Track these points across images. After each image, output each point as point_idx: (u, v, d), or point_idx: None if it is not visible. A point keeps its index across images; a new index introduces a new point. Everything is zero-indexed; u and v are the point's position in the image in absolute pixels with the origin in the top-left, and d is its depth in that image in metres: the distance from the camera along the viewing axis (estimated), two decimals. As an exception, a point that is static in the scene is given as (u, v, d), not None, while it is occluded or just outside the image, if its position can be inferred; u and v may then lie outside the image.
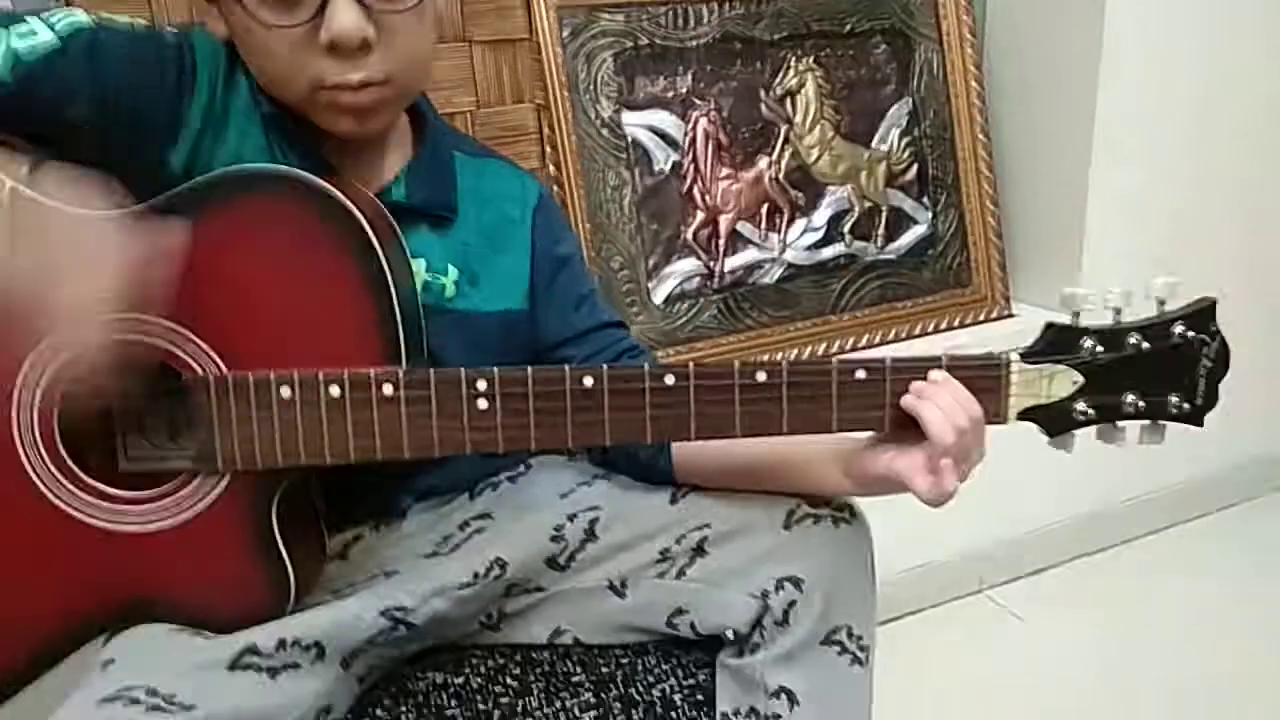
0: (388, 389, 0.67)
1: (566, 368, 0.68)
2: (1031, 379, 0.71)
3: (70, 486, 0.69)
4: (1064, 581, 1.74)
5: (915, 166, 1.64)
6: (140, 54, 0.70)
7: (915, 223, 1.65)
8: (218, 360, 0.67)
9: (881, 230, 1.63)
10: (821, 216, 1.58)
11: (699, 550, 0.78)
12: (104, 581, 0.71)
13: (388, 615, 0.73)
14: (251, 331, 0.67)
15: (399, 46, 0.71)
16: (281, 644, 0.69)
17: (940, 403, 0.67)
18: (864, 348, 1.60)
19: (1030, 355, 0.71)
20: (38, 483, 0.69)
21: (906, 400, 0.68)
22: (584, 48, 1.37)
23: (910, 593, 1.63)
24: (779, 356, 1.53)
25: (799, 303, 1.57)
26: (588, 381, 0.68)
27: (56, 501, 0.70)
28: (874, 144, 1.61)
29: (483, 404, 0.67)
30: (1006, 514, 1.69)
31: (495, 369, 0.68)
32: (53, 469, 0.69)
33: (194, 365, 0.67)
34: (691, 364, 0.68)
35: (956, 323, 1.67)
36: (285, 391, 0.67)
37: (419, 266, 0.78)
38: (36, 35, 0.67)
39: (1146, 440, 0.75)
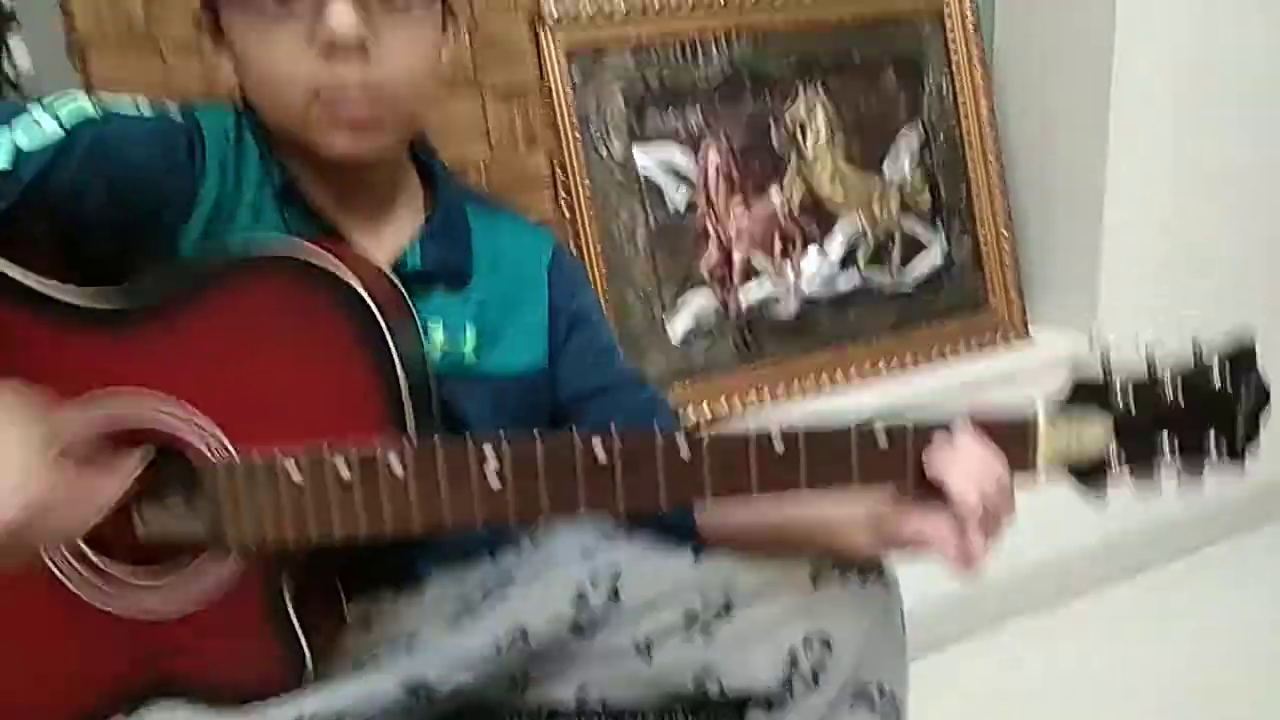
0: (395, 465, 0.66)
1: (577, 437, 0.67)
2: (1060, 433, 0.69)
3: (85, 573, 0.69)
4: (1097, 607, 1.72)
5: (928, 192, 1.63)
6: (148, 141, 0.70)
7: (929, 249, 1.64)
8: (223, 438, 0.67)
9: (895, 257, 1.62)
10: (835, 246, 1.57)
11: (725, 609, 0.77)
12: (122, 664, 0.70)
13: (409, 689, 0.72)
14: (256, 408, 0.67)
15: (397, 57, 0.71)
16: (300, 719, 0.68)
17: (966, 467, 0.66)
18: (882, 376, 1.58)
19: (1059, 408, 0.70)
20: (54, 569, 0.69)
21: (929, 462, 0.67)
22: (594, 88, 1.36)
23: (942, 624, 1.61)
24: (795, 386, 1.52)
25: (815, 333, 1.56)
26: (600, 453, 0.66)
27: (72, 588, 0.69)
28: (886, 171, 1.60)
29: (493, 478, 0.66)
30: (1037, 540, 1.66)
31: (505, 441, 0.66)
32: (68, 555, 0.69)
33: (198, 444, 0.67)
34: (706, 435, 0.67)
35: (974, 348, 1.65)
36: (294, 474, 0.66)
37: (437, 329, 0.78)
38: (41, 128, 0.66)
39: (1184, 483, 0.74)
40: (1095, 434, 0.70)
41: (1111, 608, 1.72)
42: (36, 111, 0.67)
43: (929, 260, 1.64)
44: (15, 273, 0.66)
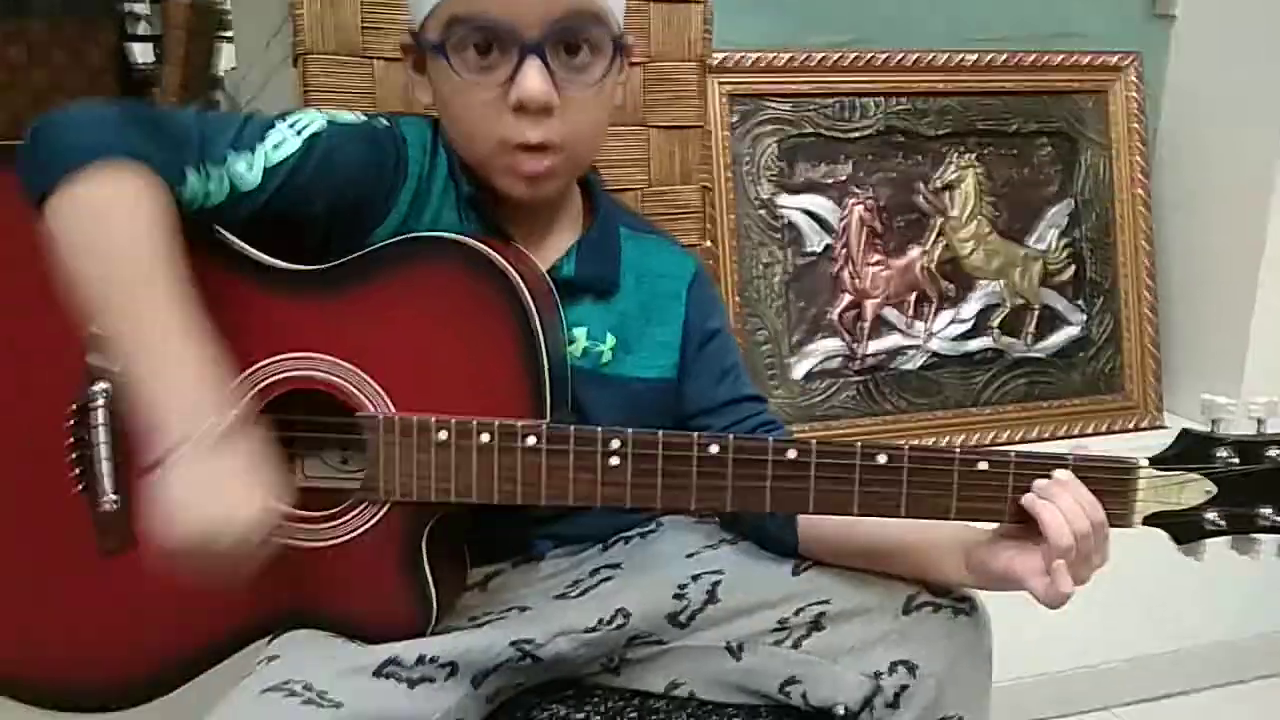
0: (531, 440, 0.73)
1: (695, 434, 0.73)
2: (1161, 486, 0.71)
3: None
4: (1197, 710, 1.65)
5: (1072, 268, 1.63)
6: (364, 149, 0.80)
7: (1068, 323, 1.64)
8: (388, 400, 0.75)
9: (1032, 328, 1.62)
10: (970, 309, 1.59)
11: (816, 624, 0.81)
12: (275, 589, 0.78)
13: (516, 646, 0.79)
14: (419, 378, 0.75)
15: (575, 117, 0.79)
16: (420, 659, 0.75)
17: (1061, 504, 0.69)
18: (1005, 444, 1.59)
19: (1162, 461, 0.72)
20: None
21: (1026, 499, 0.70)
22: (751, 132, 1.44)
23: (1029, 703, 1.58)
24: (916, 440, 1.54)
25: (941, 391, 1.58)
26: (714, 449, 0.72)
27: None
28: (1031, 242, 1.61)
29: (615, 461, 0.73)
30: (1139, 631, 1.63)
31: (629, 430, 0.73)
32: None
33: (367, 403, 0.75)
34: (815, 440, 0.72)
35: (1104, 428, 1.64)
36: (442, 435, 0.74)
37: (580, 334, 0.85)
38: (282, 143, 0.77)
39: None
40: (1196, 490, 0.71)
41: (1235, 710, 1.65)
42: (282, 127, 0.78)
43: (1066, 335, 1.64)
44: (236, 244, 0.77)
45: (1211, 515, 0.72)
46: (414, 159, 0.83)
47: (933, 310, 1.57)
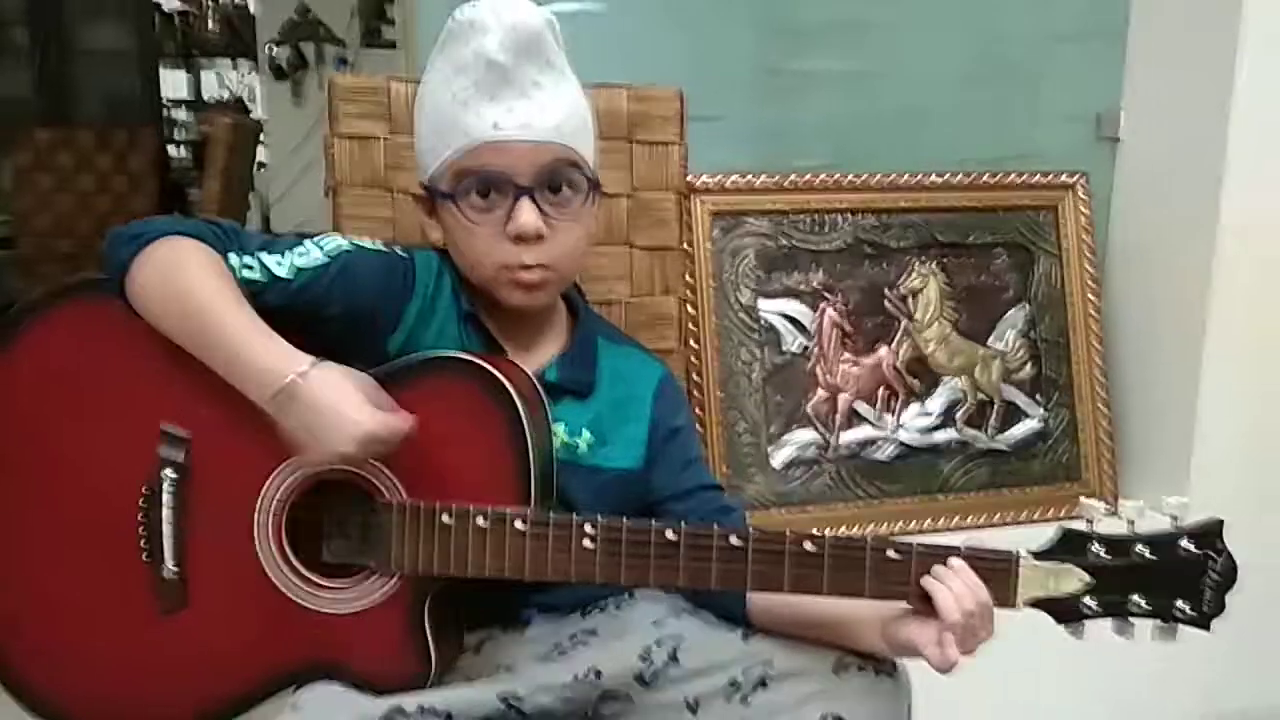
0: (519, 524, 0.88)
1: (653, 523, 0.88)
2: (1040, 575, 0.85)
3: (286, 571, 0.93)
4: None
5: (1030, 366, 1.77)
6: (379, 270, 0.99)
7: (1028, 417, 1.77)
8: (402, 490, 0.91)
9: (994, 421, 1.75)
10: (936, 403, 1.72)
11: (762, 682, 0.94)
12: (299, 646, 0.93)
13: (503, 699, 0.92)
14: (429, 471, 0.90)
15: (560, 241, 0.98)
16: (421, 709, 0.89)
17: (953, 586, 0.83)
18: (970, 529, 1.71)
19: (1040, 554, 0.86)
20: (264, 565, 0.93)
21: (925, 580, 0.84)
22: (732, 245, 1.61)
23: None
24: (885, 527, 1.67)
25: (909, 480, 1.71)
26: (670, 535, 0.87)
27: (275, 581, 0.93)
28: (991, 342, 1.75)
29: (588, 544, 0.88)
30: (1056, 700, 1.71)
31: (600, 518, 0.88)
32: (276, 556, 0.93)
33: (385, 492, 0.91)
34: (752, 529, 0.86)
35: (1064, 514, 1.75)
36: (446, 519, 0.89)
37: (560, 429, 1.00)
38: (309, 254, 0.95)
39: (1158, 637, 0.88)
40: (1071, 579, 0.85)
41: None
42: (309, 244, 0.96)
43: (1027, 428, 1.77)
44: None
45: (1088, 601, 0.85)
46: (422, 281, 1.01)
47: (900, 404, 1.71)
